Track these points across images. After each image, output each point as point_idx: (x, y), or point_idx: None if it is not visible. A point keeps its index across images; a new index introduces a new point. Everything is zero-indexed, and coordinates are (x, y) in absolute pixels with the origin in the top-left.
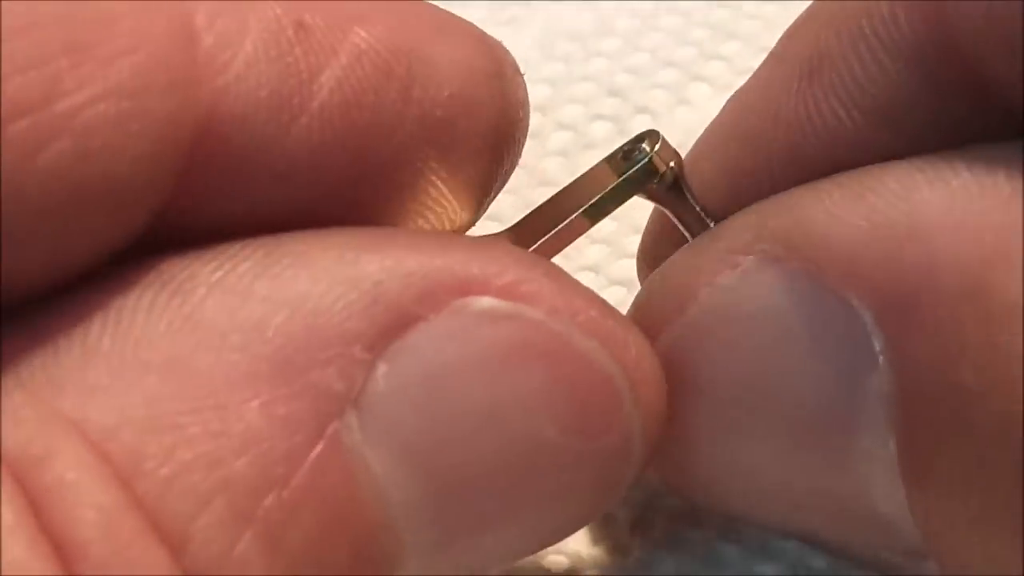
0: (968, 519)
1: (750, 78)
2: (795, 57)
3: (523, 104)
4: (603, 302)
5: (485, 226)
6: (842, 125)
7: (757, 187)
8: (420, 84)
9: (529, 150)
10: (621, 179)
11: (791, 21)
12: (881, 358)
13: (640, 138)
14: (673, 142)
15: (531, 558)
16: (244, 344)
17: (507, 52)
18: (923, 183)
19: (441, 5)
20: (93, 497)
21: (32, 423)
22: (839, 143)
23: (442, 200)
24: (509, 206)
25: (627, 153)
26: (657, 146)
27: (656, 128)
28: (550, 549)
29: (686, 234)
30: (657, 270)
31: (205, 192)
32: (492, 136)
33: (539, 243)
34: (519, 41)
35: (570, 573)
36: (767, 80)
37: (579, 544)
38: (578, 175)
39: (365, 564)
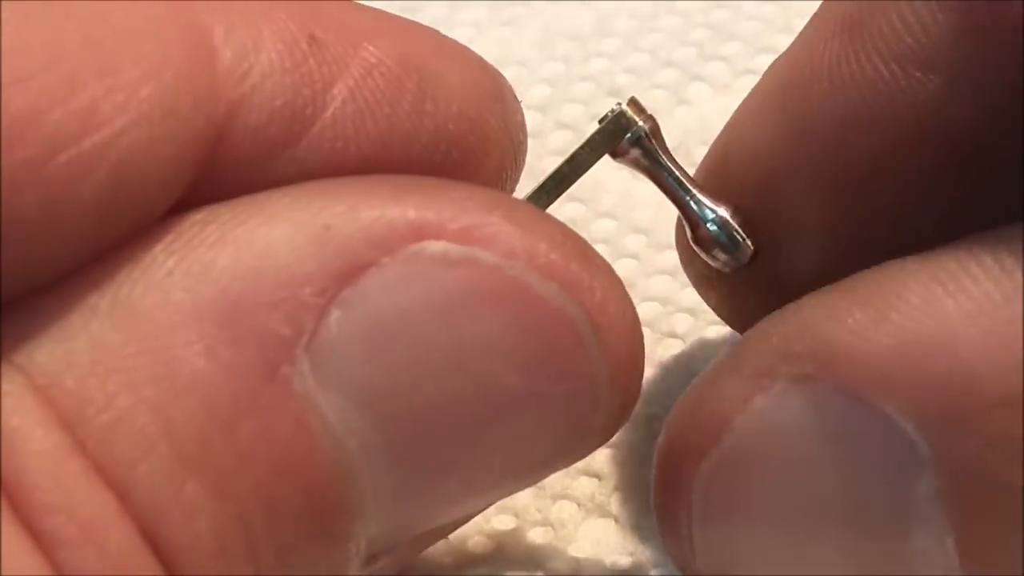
0: None
1: (792, 44)
2: (834, 15)
3: (522, 127)
4: (572, 244)
5: None
6: (883, 79)
7: (801, 148)
8: (431, 98)
9: (529, 150)
10: (593, 133)
11: (791, 22)
12: (929, 462)
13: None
14: (673, 142)
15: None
16: (190, 285)
17: (504, 77)
18: (944, 296)
19: (443, 5)
20: (35, 443)
21: None
22: (881, 97)
23: None
24: None
25: (603, 118)
26: (625, 105)
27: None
28: (550, 552)
29: (668, 198)
30: (682, 399)
31: (219, 198)
32: (497, 154)
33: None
34: (519, 41)
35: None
36: (807, 41)
37: (576, 548)
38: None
39: (321, 511)
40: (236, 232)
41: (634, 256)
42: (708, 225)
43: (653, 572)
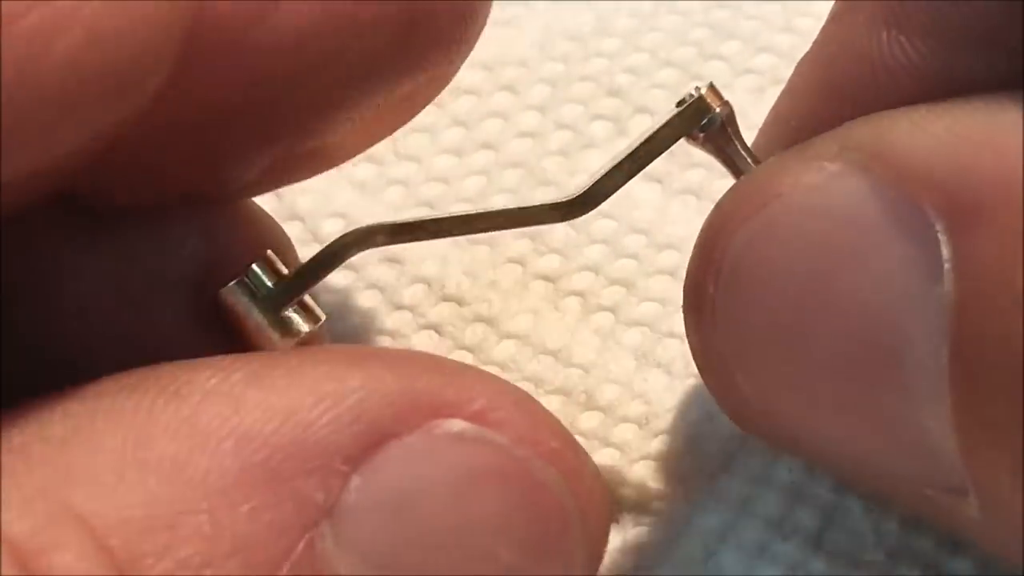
0: (1013, 456)
1: (819, 38)
2: (876, 4)
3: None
4: (563, 431)
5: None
6: (926, 60)
7: None
8: None
9: (529, 150)
10: (670, 117)
11: (791, 21)
12: (947, 266)
13: (697, 90)
14: None
15: None
16: (236, 450)
17: None
18: (1009, 105)
19: None
20: None
21: (42, 515)
22: (925, 78)
23: (421, 61)
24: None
25: (681, 101)
26: (704, 90)
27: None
28: None
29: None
30: (742, 177)
31: (203, 73)
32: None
33: (593, 182)
34: (519, 41)
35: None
36: (848, 32)
37: None
38: (578, 174)
39: None
40: (278, 398)
41: (634, 256)
42: None
43: (654, 572)
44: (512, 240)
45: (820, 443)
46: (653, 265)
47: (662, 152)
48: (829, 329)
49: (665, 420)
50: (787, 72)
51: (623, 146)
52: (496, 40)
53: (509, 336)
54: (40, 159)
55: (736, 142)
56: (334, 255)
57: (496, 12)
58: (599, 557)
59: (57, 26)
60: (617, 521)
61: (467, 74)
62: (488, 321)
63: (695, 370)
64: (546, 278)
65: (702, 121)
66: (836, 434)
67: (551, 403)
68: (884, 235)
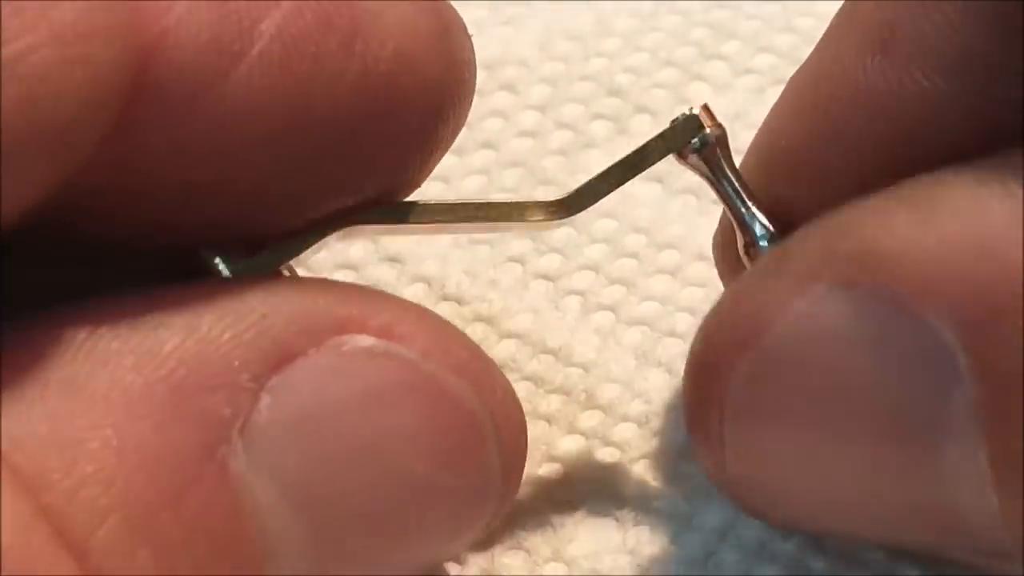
0: None
1: (811, 58)
2: (864, 28)
3: (468, 64)
4: (471, 343)
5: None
6: (923, 91)
7: (838, 164)
8: (363, 38)
9: (529, 150)
10: (664, 130)
11: (791, 21)
12: (966, 372)
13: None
14: None
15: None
16: (137, 366)
17: (454, 12)
18: (990, 198)
19: None
20: (8, 504)
21: None
22: (922, 110)
23: (383, 158)
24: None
25: (675, 119)
26: (698, 110)
27: (655, 127)
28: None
29: (725, 207)
30: (721, 298)
31: (144, 136)
32: (436, 95)
33: (580, 186)
34: (519, 41)
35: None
36: (836, 56)
37: (576, 548)
38: (578, 174)
39: None
40: (178, 318)
41: (634, 256)
42: (760, 241)
43: (654, 572)
44: (512, 239)
45: (862, 535)
46: (653, 264)
47: (652, 164)
48: (853, 449)
49: (665, 419)
50: (787, 72)
51: (623, 146)
52: (496, 40)
53: (509, 335)
54: None
55: (727, 166)
56: (314, 232)
57: (496, 12)
58: (518, 470)
59: None
60: (616, 519)
61: None
62: (488, 320)
63: None
64: (546, 277)
65: (693, 138)
66: (875, 531)
67: (551, 402)
68: (887, 348)
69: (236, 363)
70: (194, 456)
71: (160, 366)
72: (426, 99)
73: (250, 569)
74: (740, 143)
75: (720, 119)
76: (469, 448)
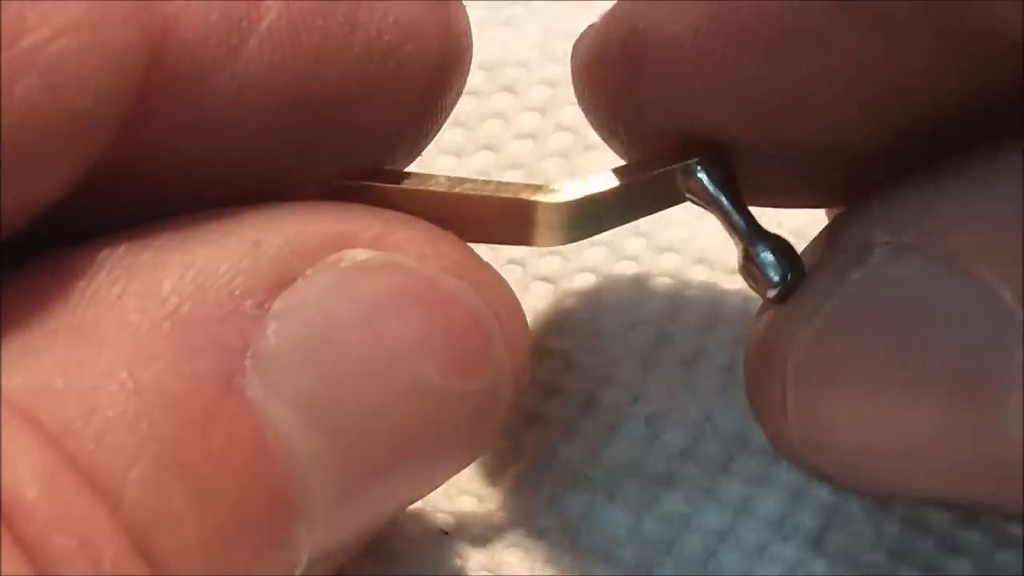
0: None
1: None
2: None
3: (467, 34)
4: (463, 244)
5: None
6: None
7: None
8: (366, 9)
9: (529, 151)
10: (665, 168)
11: None
12: None
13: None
14: None
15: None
16: (140, 307)
17: None
18: None
19: None
20: (32, 459)
21: None
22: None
23: (388, 127)
24: None
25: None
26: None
27: None
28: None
29: (732, 238)
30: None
31: (160, 116)
32: (437, 63)
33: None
34: (519, 41)
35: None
36: None
37: (576, 547)
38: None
39: (280, 519)
40: (173, 255)
41: (634, 258)
42: (761, 253)
43: (654, 572)
44: None
45: (921, 494)
46: (654, 267)
47: (655, 179)
48: (920, 414)
49: (666, 420)
50: None
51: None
52: (496, 40)
53: None
54: (6, 197)
55: (729, 201)
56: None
57: (496, 12)
58: (525, 365)
59: (13, 73)
60: (617, 519)
61: None
62: None
63: (695, 370)
64: (546, 280)
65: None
66: (936, 487)
67: (552, 405)
68: (947, 310)
69: (237, 292)
70: (212, 389)
71: (163, 305)
72: (427, 67)
73: (281, 492)
74: None
75: None
76: (476, 350)
